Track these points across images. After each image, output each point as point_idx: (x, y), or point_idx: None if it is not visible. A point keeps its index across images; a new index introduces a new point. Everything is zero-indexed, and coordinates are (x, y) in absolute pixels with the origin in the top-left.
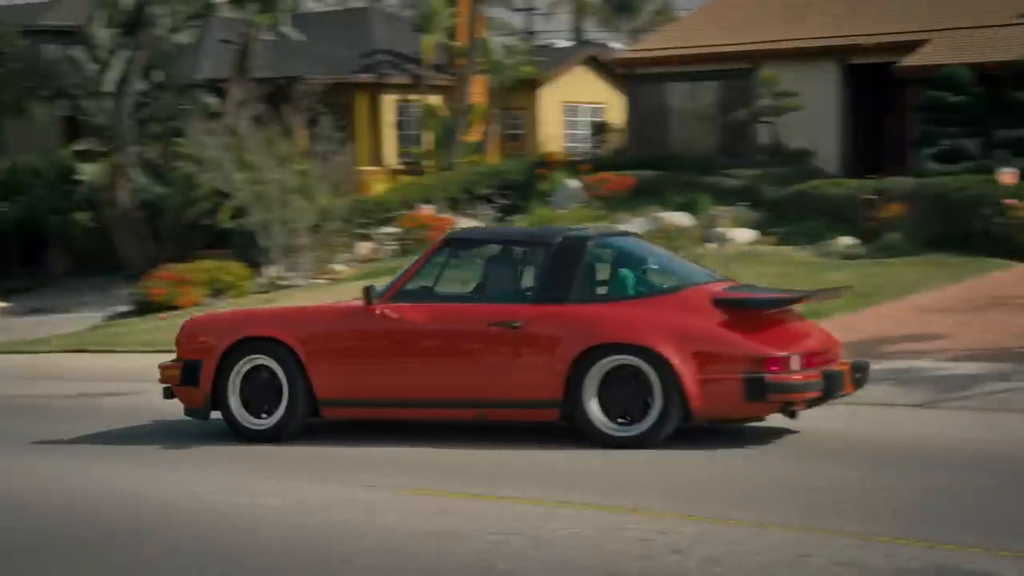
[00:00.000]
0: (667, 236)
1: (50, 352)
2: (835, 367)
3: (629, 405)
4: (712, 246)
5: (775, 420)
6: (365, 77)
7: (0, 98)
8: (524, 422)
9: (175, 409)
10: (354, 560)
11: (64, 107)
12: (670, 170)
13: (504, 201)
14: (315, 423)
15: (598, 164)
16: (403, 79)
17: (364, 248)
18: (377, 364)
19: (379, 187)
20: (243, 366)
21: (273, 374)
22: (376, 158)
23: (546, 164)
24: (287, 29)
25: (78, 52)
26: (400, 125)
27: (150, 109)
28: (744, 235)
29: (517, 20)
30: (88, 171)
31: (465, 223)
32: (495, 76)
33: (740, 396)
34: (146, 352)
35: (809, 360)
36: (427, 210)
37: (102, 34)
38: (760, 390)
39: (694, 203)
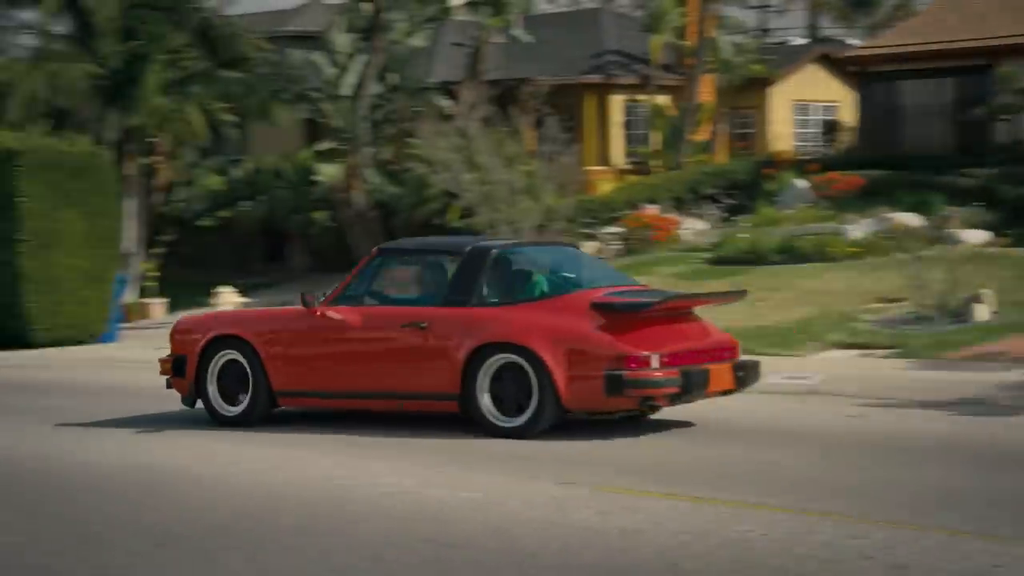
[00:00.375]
0: (894, 237)
1: None
2: (704, 365)
3: (514, 399)
4: (940, 248)
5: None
6: (594, 78)
7: (246, 102)
8: (433, 412)
9: None
10: (541, 555)
11: (305, 110)
12: (901, 170)
13: (730, 201)
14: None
15: (827, 164)
16: (631, 79)
17: (589, 248)
18: (318, 360)
19: (606, 187)
20: (219, 360)
21: (243, 367)
22: (603, 158)
23: (773, 163)
24: (518, 31)
25: (319, 57)
26: (627, 125)
27: (384, 111)
28: (976, 236)
29: (750, 18)
30: (325, 172)
31: (689, 223)
32: (724, 75)
33: (602, 391)
34: None
35: (672, 359)
36: (652, 210)
37: (341, 39)
38: (619, 386)
39: (926, 204)
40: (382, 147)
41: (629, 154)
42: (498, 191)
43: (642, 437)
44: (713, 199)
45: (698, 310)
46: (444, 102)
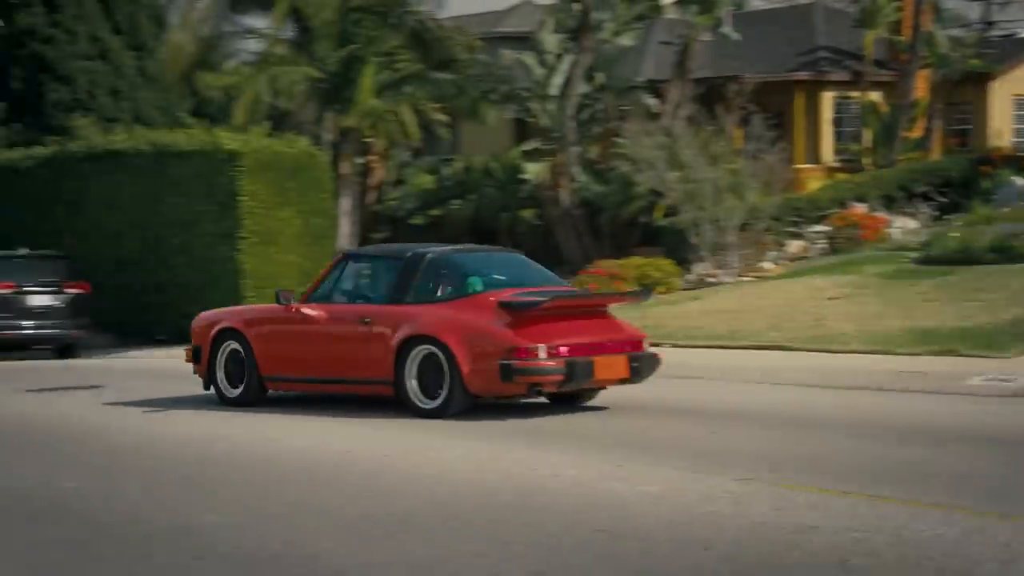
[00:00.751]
0: None
1: None
2: (592, 357)
3: (433, 384)
4: None
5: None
6: (804, 75)
7: (457, 102)
8: (375, 396)
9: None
10: (713, 548)
11: (513, 110)
12: None
13: (942, 199)
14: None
15: None
16: (843, 76)
17: (794, 246)
18: (291, 350)
19: (815, 185)
20: (224, 350)
21: (241, 355)
22: (813, 156)
23: (990, 161)
24: (727, 29)
25: (528, 57)
26: (838, 122)
27: (591, 110)
28: None
29: (973, 11)
30: (533, 171)
31: (900, 222)
32: (940, 70)
33: (498, 378)
34: None
35: (559, 351)
36: (859, 208)
37: (550, 39)
38: (510, 373)
39: None
40: (588, 146)
41: (839, 151)
42: (702, 189)
43: (828, 437)
44: (925, 197)
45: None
46: (651, 101)
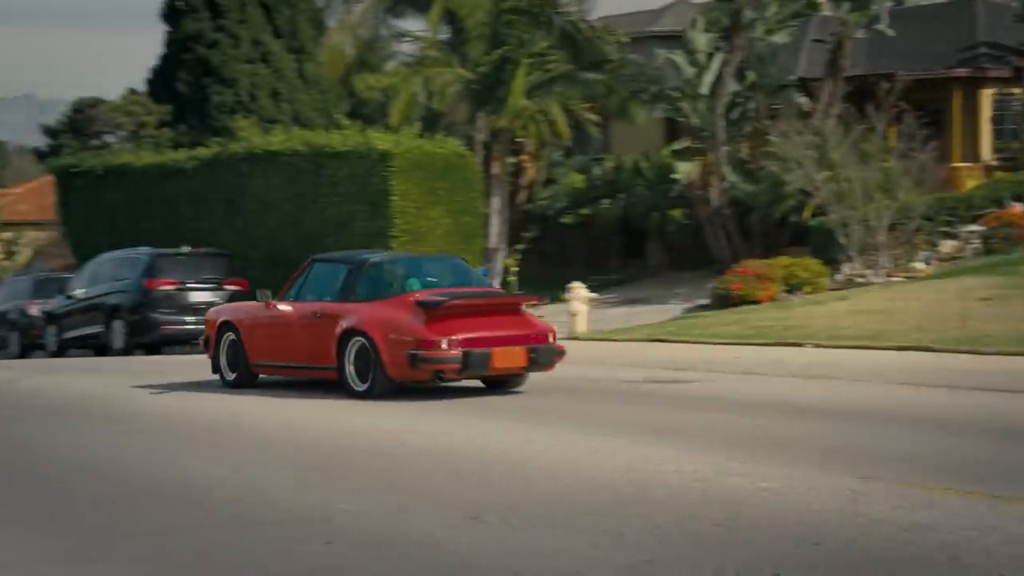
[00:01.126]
0: None
1: (630, 340)
2: (490, 348)
3: (365, 370)
4: None
5: None
6: (963, 71)
7: (607, 102)
8: (325, 380)
9: (694, 394)
10: (824, 544)
11: (662, 109)
12: None
13: None
14: None
15: None
16: (1003, 72)
17: (947, 246)
18: (267, 340)
19: (972, 184)
20: (225, 340)
21: (236, 344)
22: (971, 154)
23: None
24: (882, 26)
25: (678, 56)
26: (998, 120)
27: (742, 109)
28: None
29: None
30: (683, 170)
31: None
32: None
33: (408, 365)
34: (712, 344)
35: (459, 343)
36: (1017, 208)
37: (701, 39)
38: (416, 362)
39: None
40: (738, 145)
41: (998, 150)
42: (852, 189)
43: (959, 438)
44: None
45: None
46: (802, 99)
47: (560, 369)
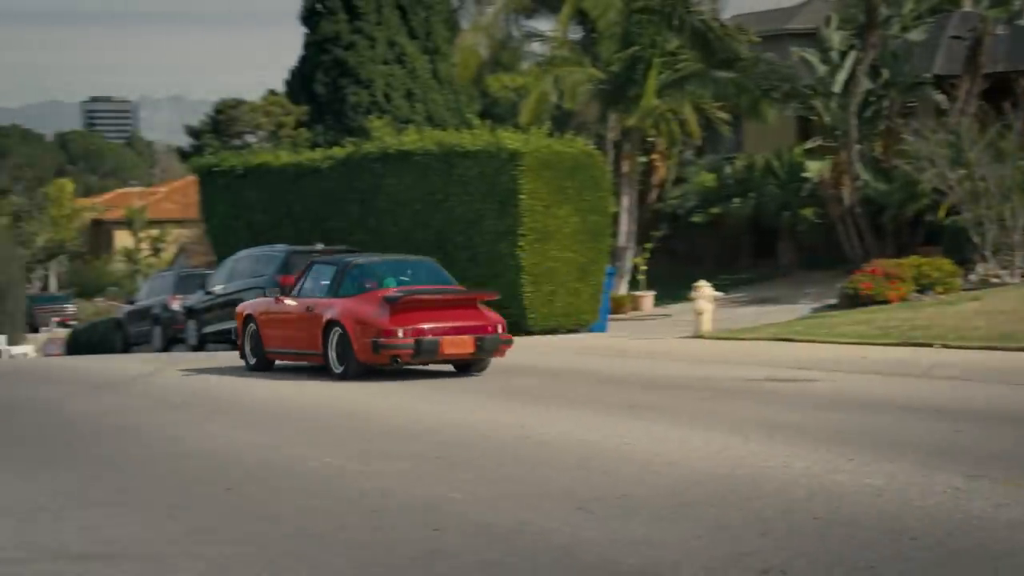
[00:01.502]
0: None
1: (756, 340)
2: (440, 337)
3: (343, 356)
4: None
5: None
6: None
7: (738, 101)
8: (314, 364)
9: (814, 392)
10: (920, 539)
11: (794, 108)
12: None
13: None
14: None
15: None
16: None
17: None
18: (275, 331)
19: None
20: (248, 330)
21: (256, 334)
22: None
23: None
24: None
25: (810, 54)
26: None
27: (875, 107)
28: None
29: None
30: (813, 168)
31: None
32: None
33: (371, 351)
34: (838, 343)
35: (413, 332)
36: None
37: (834, 36)
38: (377, 348)
39: None
40: (871, 143)
41: None
42: (987, 188)
43: None
44: None
45: None
46: (938, 97)
47: (679, 367)
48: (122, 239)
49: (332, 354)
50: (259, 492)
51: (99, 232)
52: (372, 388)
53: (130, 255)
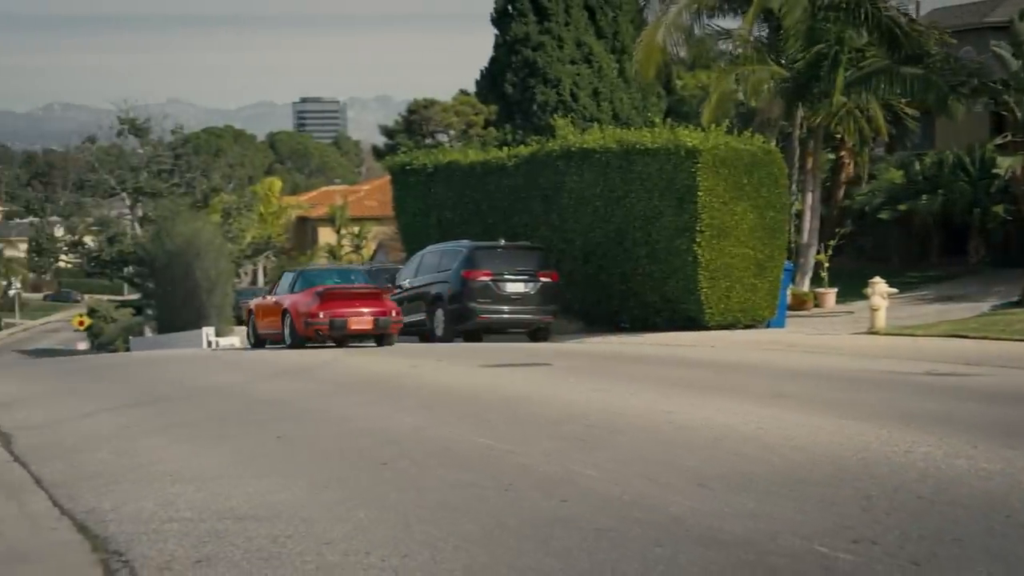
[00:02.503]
0: None
1: (929, 336)
2: (347, 318)
3: (291, 332)
4: None
5: None
6: None
7: (925, 97)
8: (279, 344)
9: (968, 386)
10: (1015, 516)
11: (984, 103)
12: None
13: None
14: None
15: None
16: None
17: None
18: (265, 320)
19: None
20: (251, 319)
21: (254, 324)
22: None
23: None
24: None
25: (1003, 48)
26: None
27: None
28: None
29: None
30: (1004, 164)
31: None
32: None
33: (304, 328)
34: (1013, 340)
35: (330, 315)
36: None
37: None
38: (307, 326)
39: None
40: None
41: None
42: None
43: None
44: None
45: None
46: None
47: (840, 361)
48: (325, 235)
49: (285, 331)
50: (410, 467)
51: (304, 229)
52: (535, 376)
53: (332, 251)
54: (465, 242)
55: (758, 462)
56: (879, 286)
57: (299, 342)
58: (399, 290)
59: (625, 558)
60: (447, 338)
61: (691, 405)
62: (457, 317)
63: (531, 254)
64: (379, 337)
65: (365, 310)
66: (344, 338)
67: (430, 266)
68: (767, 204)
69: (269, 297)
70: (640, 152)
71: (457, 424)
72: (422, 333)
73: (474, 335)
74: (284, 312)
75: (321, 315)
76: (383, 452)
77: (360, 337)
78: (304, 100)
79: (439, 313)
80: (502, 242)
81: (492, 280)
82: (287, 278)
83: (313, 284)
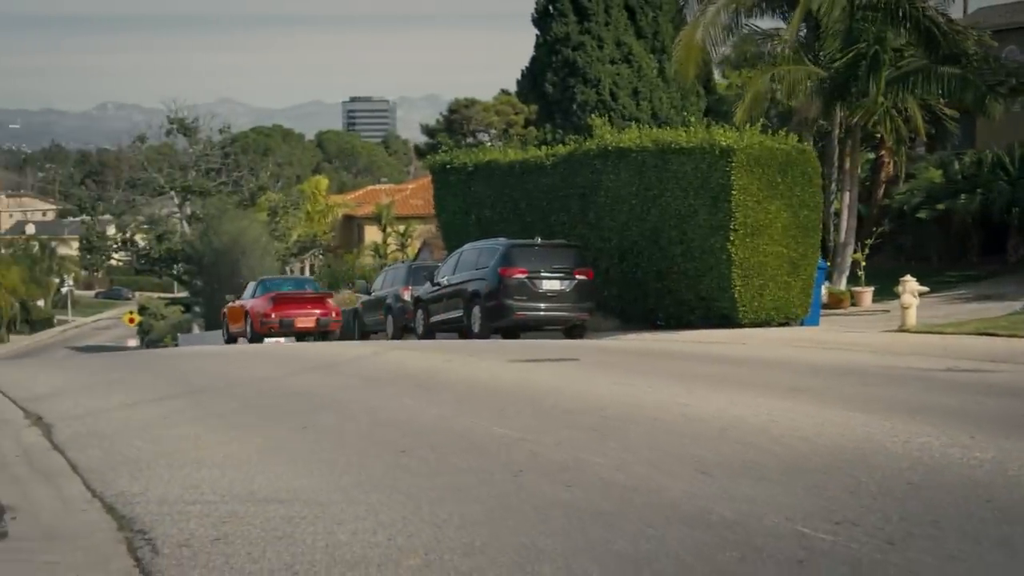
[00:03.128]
0: None
1: (959, 334)
2: (294, 318)
3: (251, 331)
4: None
5: None
6: None
7: (962, 96)
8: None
9: (984, 382)
10: (993, 501)
11: (1021, 103)
12: None
13: None
14: None
15: None
16: None
17: None
18: (234, 320)
19: None
20: (247, 316)
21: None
22: None
23: None
24: None
25: None
26: None
27: None
28: None
29: None
30: None
31: None
32: None
33: (261, 328)
34: None
35: (281, 315)
36: None
37: None
38: (262, 324)
39: None
40: None
41: None
42: None
43: None
44: None
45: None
46: None
47: (865, 357)
48: (371, 234)
49: (247, 329)
50: (428, 455)
51: (350, 227)
52: (563, 371)
53: (378, 249)
54: (502, 240)
55: (762, 451)
56: (910, 284)
57: (257, 338)
58: (437, 287)
59: (618, 537)
60: (483, 334)
61: (706, 399)
62: (493, 314)
63: (567, 252)
64: (322, 334)
65: (310, 312)
66: (292, 334)
67: (468, 263)
68: (801, 203)
69: (237, 301)
70: (675, 151)
71: (478, 415)
72: (460, 329)
73: (511, 332)
74: (246, 314)
75: (273, 316)
76: (404, 441)
77: (306, 334)
78: (354, 99)
79: (476, 310)
80: (538, 240)
81: (528, 277)
82: (251, 287)
83: (269, 291)
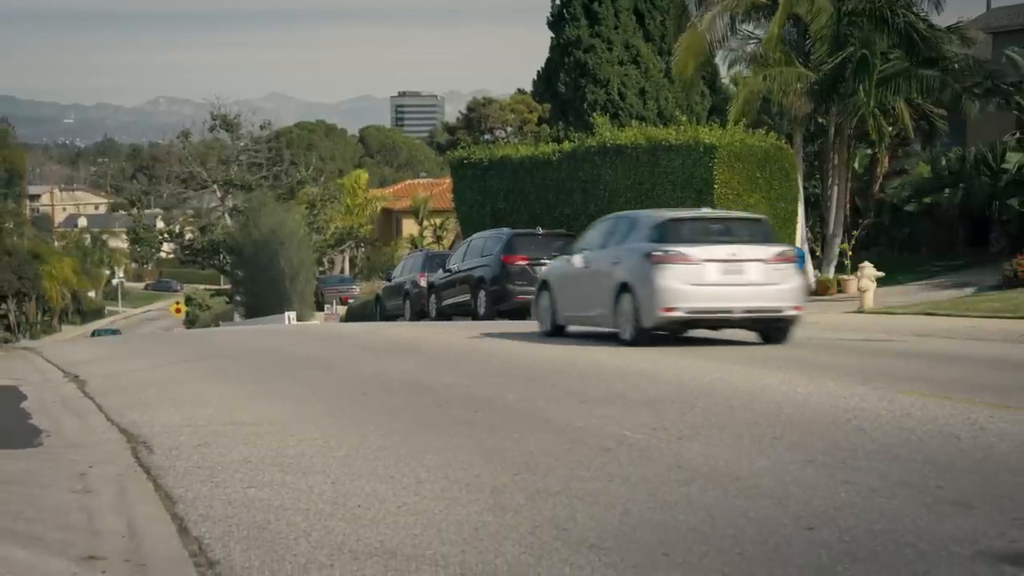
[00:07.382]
0: None
1: (905, 314)
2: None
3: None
4: None
5: None
6: None
7: (940, 96)
8: None
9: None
10: (979, 471)
11: (997, 103)
12: None
13: None
14: None
15: None
16: None
17: None
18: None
19: None
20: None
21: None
22: None
23: None
24: None
25: (1017, 52)
26: None
27: None
28: None
29: None
30: (1013, 160)
31: None
32: None
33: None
34: (969, 317)
35: None
36: None
37: None
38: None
39: None
40: None
41: None
42: None
43: None
44: None
45: None
46: None
47: (809, 332)
48: (409, 227)
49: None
50: (384, 396)
51: (389, 220)
52: (523, 341)
53: (414, 241)
54: (506, 230)
55: (776, 420)
56: (867, 270)
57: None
58: (448, 273)
59: (490, 438)
60: (488, 316)
61: (667, 365)
62: (497, 298)
63: (566, 241)
64: None
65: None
66: None
67: (475, 251)
68: (778, 196)
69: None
70: (665, 148)
71: (441, 371)
72: (468, 313)
73: (516, 314)
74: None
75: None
76: (368, 387)
77: None
78: (402, 94)
79: (482, 294)
80: (540, 230)
81: (529, 264)
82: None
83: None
